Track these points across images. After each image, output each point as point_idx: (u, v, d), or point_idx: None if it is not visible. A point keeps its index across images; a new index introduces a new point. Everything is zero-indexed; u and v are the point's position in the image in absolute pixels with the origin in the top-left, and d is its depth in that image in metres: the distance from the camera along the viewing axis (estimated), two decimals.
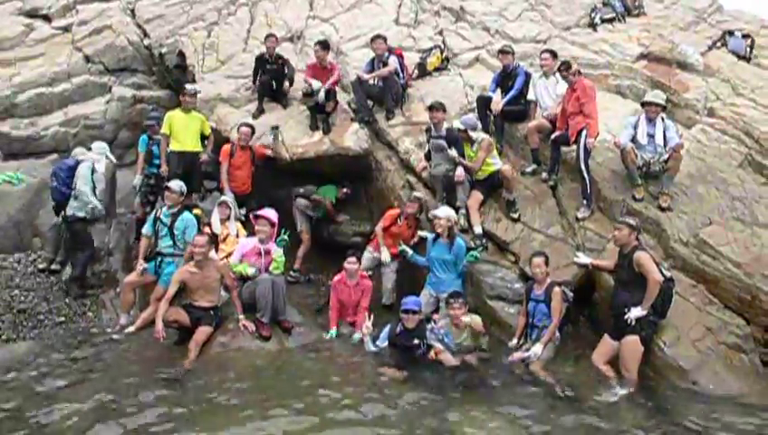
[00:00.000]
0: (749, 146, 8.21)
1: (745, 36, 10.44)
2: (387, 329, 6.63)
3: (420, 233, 7.90)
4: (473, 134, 7.78)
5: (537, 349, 6.44)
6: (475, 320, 6.53)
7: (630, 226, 6.42)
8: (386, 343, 6.58)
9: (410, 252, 7.71)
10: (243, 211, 8.54)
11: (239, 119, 9.52)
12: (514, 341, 6.76)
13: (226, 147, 8.80)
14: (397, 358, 6.41)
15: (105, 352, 6.64)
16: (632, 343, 6.16)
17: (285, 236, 7.41)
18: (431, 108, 8.14)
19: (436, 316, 6.93)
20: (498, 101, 8.64)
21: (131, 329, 7.15)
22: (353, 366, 6.46)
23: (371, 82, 9.37)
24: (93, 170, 8.23)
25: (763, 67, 10.05)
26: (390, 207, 8.41)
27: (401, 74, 9.58)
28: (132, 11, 13.00)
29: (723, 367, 6.15)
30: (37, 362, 6.42)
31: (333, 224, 9.14)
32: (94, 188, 8.15)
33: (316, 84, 9.12)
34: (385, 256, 7.90)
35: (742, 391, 6.00)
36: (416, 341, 6.41)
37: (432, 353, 6.41)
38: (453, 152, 7.71)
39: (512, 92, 8.60)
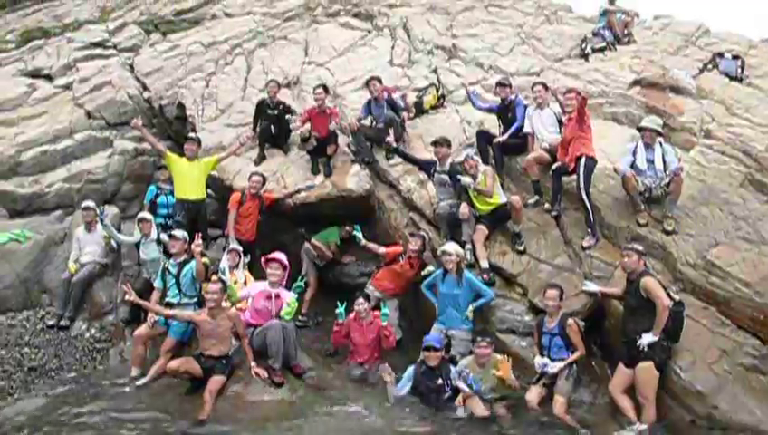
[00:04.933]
0: (748, 165, 8.27)
1: (735, 57, 10.62)
2: (410, 370, 6.54)
3: (428, 268, 7.90)
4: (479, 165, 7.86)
5: (555, 366, 6.41)
6: (503, 365, 6.39)
7: (639, 251, 6.44)
8: (410, 385, 6.47)
9: (433, 269, 7.68)
10: (247, 259, 8.56)
11: (241, 166, 9.63)
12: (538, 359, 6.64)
13: (236, 194, 8.85)
14: (420, 408, 6.31)
15: (118, 407, 6.57)
16: (647, 369, 6.11)
17: (302, 283, 7.43)
18: (435, 143, 8.23)
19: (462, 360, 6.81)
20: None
21: (143, 381, 7.11)
22: (373, 417, 6.29)
23: (370, 124, 9.51)
24: None
25: (756, 87, 10.19)
26: (394, 243, 8.46)
27: (399, 112, 9.70)
28: (131, 65, 13.26)
29: (741, 389, 6.05)
30: (50, 417, 6.35)
31: (339, 265, 9.18)
32: None
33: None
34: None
35: (763, 416, 5.91)
36: (440, 381, 6.31)
37: (460, 399, 6.25)
38: (467, 179, 7.72)
39: (516, 124, 8.68)
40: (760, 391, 6.10)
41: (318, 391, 6.82)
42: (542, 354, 6.66)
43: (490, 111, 9.20)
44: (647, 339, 6.10)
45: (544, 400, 6.46)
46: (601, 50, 11.80)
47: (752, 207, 7.60)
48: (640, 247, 6.57)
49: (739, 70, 10.45)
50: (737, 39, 12.12)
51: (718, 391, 6.04)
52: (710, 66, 10.74)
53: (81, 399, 6.90)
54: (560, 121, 8.41)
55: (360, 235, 8.24)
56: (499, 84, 9.03)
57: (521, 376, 6.64)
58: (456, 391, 6.35)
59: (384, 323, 7.21)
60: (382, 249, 8.19)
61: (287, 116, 9.98)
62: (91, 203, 9.01)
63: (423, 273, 7.90)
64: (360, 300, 7.36)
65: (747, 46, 11.74)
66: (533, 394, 6.47)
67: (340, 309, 7.32)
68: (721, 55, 10.75)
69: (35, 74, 13.07)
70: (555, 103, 8.56)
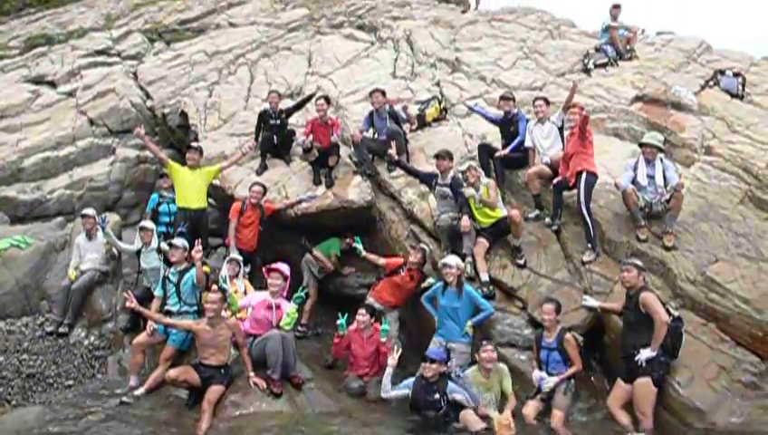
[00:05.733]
0: (748, 182, 8.29)
1: (736, 75, 10.67)
2: (411, 380, 6.53)
3: (428, 281, 7.92)
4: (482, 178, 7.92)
5: (551, 381, 6.42)
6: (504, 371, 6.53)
7: (638, 266, 6.45)
8: (407, 392, 6.46)
9: (433, 281, 7.72)
10: (247, 269, 8.57)
11: (242, 176, 9.66)
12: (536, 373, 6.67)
13: (237, 204, 8.86)
14: (418, 422, 6.30)
15: (115, 419, 6.50)
16: (644, 385, 6.11)
17: (302, 294, 7.43)
18: (438, 156, 8.25)
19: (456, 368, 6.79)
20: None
21: (141, 390, 7.08)
22: (370, 431, 6.26)
23: (372, 136, 9.55)
24: None
25: (756, 104, 10.24)
26: (395, 255, 8.47)
27: (401, 124, 9.73)
28: (135, 74, 13.34)
29: (740, 407, 6.06)
30: (46, 429, 6.29)
31: (339, 277, 9.19)
32: None
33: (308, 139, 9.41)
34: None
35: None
36: (436, 395, 6.28)
37: (463, 412, 6.21)
38: (471, 190, 7.72)
39: (519, 138, 8.75)
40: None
41: (317, 402, 6.78)
42: (540, 368, 6.66)
43: (493, 122, 9.25)
44: (645, 354, 6.10)
45: (541, 414, 6.46)
46: (603, 65, 11.84)
47: (751, 224, 7.62)
48: (640, 263, 6.59)
49: (740, 87, 10.51)
50: (739, 56, 12.20)
51: (717, 408, 6.04)
52: (711, 83, 10.79)
53: (78, 409, 6.86)
54: (560, 129, 8.45)
55: (360, 246, 8.26)
56: (503, 98, 9.10)
57: (520, 389, 6.64)
58: (453, 406, 6.31)
59: (383, 340, 7.20)
60: (382, 260, 8.21)
61: (288, 127, 10.02)
62: (90, 211, 9.02)
63: (423, 285, 7.91)
64: (362, 311, 7.36)
65: (748, 64, 11.81)
66: (530, 408, 6.47)
67: (342, 321, 7.32)
68: (722, 72, 10.81)
69: (39, 81, 13.18)
70: (554, 115, 8.58)
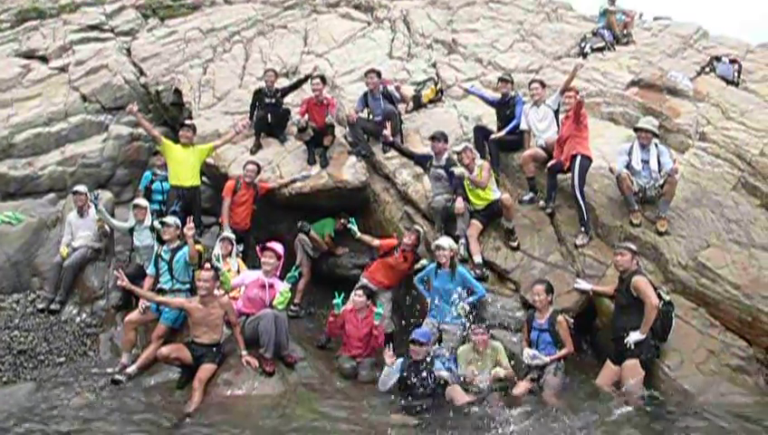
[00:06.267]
0: (742, 169, 8.34)
1: (732, 61, 10.67)
2: (399, 363, 6.58)
3: (422, 262, 7.93)
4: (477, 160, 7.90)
5: (543, 359, 6.46)
6: (499, 348, 6.62)
7: (632, 250, 6.49)
8: (397, 376, 6.51)
9: (426, 263, 7.75)
10: (240, 247, 8.55)
11: (236, 154, 9.61)
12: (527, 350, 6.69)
13: (231, 182, 8.82)
14: (407, 401, 6.35)
15: (107, 398, 6.52)
16: (632, 366, 6.20)
17: (296, 273, 7.41)
18: (433, 138, 8.25)
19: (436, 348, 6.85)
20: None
21: (133, 368, 7.07)
22: (361, 411, 6.30)
23: (366, 116, 9.51)
24: None
25: (751, 91, 10.24)
26: (389, 236, 8.47)
27: (396, 105, 9.68)
28: (128, 50, 13.16)
29: (728, 390, 6.15)
30: (38, 408, 6.29)
31: (332, 257, 9.19)
32: None
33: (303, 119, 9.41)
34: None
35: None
36: (424, 374, 6.35)
37: (448, 388, 6.31)
38: (461, 169, 7.71)
39: (514, 122, 8.71)
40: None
41: (309, 381, 6.81)
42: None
43: (491, 104, 9.20)
44: (634, 337, 6.17)
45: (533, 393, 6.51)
46: (600, 50, 11.81)
47: (744, 211, 7.67)
48: (634, 246, 6.64)
49: (736, 74, 10.50)
50: (735, 43, 12.19)
51: (705, 391, 6.13)
52: (707, 69, 10.78)
53: (69, 387, 6.87)
54: (556, 112, 8.44)
55: (355, 227, 8.24)
56: (501, 79, 9.05)
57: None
58: (440, 383, 6.38)
59: (377, 323, 7.22)
60: (376, 241, 8.20)
61: (283, 107, 9.97)
62: (81, 188, 8.96)
63: (417, 266, 7.92)
64: (359, 293, 7.38)
65: (744, 50, 11.80)
66: (521, 389, 6.50)
67: (338, 300, 7.31)
68: (718, 59, 10.79)
69: (30, 55, 12.96)
70: (550, 98, 8.54)
